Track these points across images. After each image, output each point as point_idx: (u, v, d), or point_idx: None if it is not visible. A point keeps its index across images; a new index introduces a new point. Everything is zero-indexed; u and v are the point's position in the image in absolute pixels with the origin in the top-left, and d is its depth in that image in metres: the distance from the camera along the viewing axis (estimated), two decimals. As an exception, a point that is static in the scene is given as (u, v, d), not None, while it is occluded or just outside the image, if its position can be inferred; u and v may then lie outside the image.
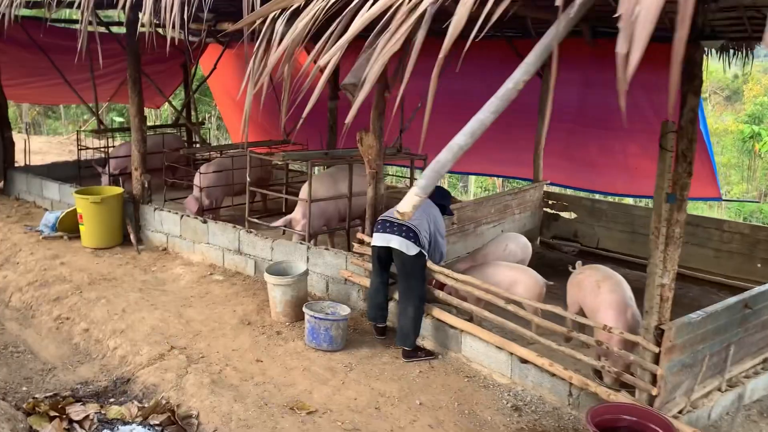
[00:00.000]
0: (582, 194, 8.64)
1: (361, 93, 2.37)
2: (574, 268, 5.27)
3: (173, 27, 4.65)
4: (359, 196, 6.72)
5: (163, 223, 7.19)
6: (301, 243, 6.06)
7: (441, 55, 2.13)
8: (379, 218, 5.06)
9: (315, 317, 4.82)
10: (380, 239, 4.86)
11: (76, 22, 10.08)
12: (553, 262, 7.27)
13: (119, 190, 7.42)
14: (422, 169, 7.79)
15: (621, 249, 7.36)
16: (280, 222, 6.47)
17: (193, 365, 4.55)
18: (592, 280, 4.75)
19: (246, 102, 3.37)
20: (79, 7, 5.20)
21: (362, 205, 7.00)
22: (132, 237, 7.27)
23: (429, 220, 4.91)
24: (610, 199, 9.01)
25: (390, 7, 2.40)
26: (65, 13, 10.49)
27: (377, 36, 2.55)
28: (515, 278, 5.31)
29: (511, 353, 4.41)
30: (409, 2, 2.33)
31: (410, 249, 4.71)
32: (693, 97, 3.44)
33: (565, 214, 7.87)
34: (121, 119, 15.70)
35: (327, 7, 2.62)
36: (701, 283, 6.72)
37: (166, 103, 13.58)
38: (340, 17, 2.63)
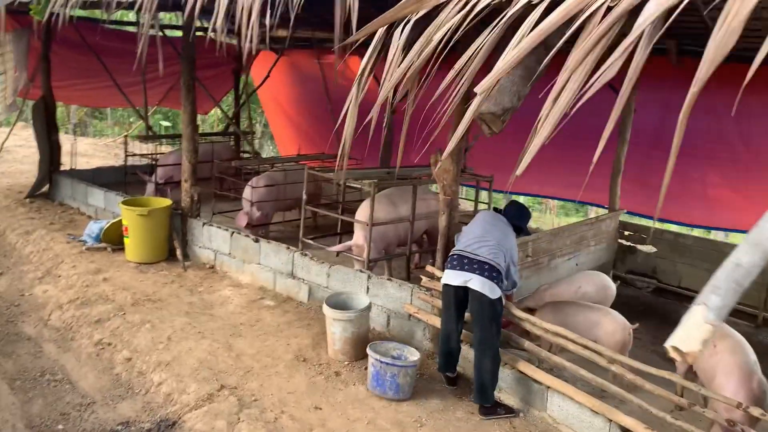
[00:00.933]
0: (663, 226, 7.95)
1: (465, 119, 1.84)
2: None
3: (233, 33, 4.24)
4: (419, 220, 6.21)
5: (212, 239, 6.76)
6: (361, 271, 5.54)
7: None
8: (453, 251, 4.47)
9: (381, 361, 4.29)
10: (456, 277, 4.28)
11: (128, 23, 9.83)
12: (627, 300, 6.64)
13: (167, 202, 7.03)
14: (487, 190, 7.22)
15: (707, 289, 6.67)
16: (339, 247, 5.99)
17: (245, 410, 4.06)
18: (706, 339, 4.12)
19: (347, 124, 2.80)
20: (140, 9, 4.78)
21: (421, 229, 6.50)
22: (178, 252, 6.87)
23: (506, 250, 4.35)
24: (695, 233, 8.31)
25: (582, 10, 1.79)
26: (117, 14, 10.24)
27: (535, 50, 2.02)
28: (596, 321, 4.72)
29: (610, 420, 3.81)
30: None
31: (493, 291, 4.15)
32: None
33: (643, 247, 7.22)
34: (167, 123, 15.50)
35: (471, 10, 2.05)
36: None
37: (213, 109, 13.31)
38: (495, 24, 2.04)
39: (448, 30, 1.97)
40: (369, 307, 4.93)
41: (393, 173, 6.59)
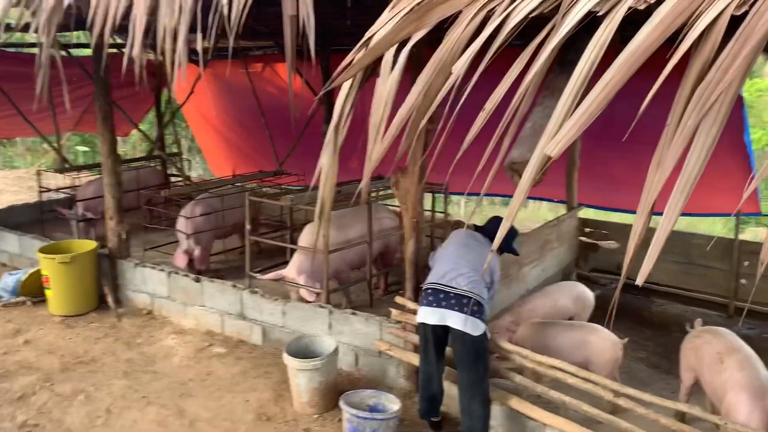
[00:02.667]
0: (625, 220, 7.75)
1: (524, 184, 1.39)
2: (691, 327, 4.33)
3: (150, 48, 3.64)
4: (374, 241, 5.73)
5: (147, 281, 6.06)
6: (320, 306, 5.01)
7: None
8: (427, 284, 3.95)
9: (358, 417, 3.80)
10: (433, 315, 3.78)
11: (27, 45, 8.89)
12: (596, 300, 6.39)
13: (92, 245, 6.26)
14: (442, 193, 6.81)
15: (674, 282, 6.50)
16: (271, 276, 5.41)
17: (207, 496, 3.49)
18: (713, 351, 3.83)
19: (325, 171, 2.22)
20: (36, 31, 4.08)
21: (376, 251, 6.01)
22: (110, 300, 6.14)
23: (486, 273, 3.92)
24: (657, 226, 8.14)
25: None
26: (16, 35, 9.27)
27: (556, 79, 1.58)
28: (583, 340, 4.39)
29: (619, 457, 3.45)
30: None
31: (476, 328, 3.69)
32: None
33: (605, 244, 6.97)
34: (85, 148, 14.40)
35: (501, 26, 1.55)
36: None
37: (135, 131, 12.40)
38: (540, 45, 1.53)
39: (470, 57, 1.51)
40: (336, 351, 4.42)
41: (344, 191, 6.07)
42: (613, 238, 6.89)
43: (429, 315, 3.80)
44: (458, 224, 9.47)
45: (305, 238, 5.56)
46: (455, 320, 3.70)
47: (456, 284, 3.79)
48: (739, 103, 6.65)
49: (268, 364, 5.03)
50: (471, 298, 3.72)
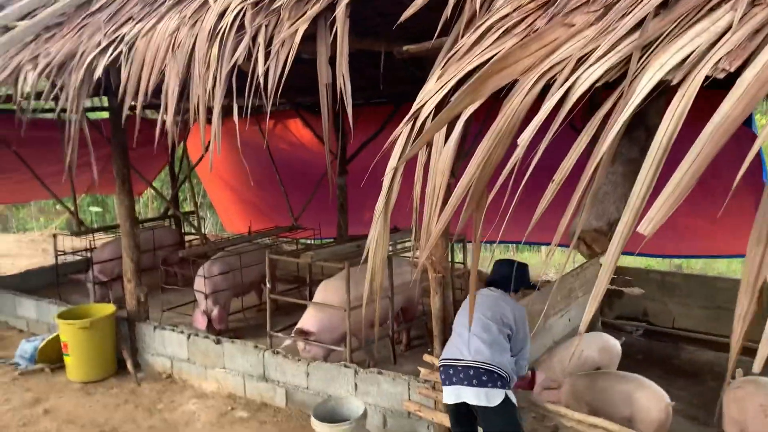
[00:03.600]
0: (650, 266, 7.66)
1: (612, 258, 1.34)
2: (732, 378, 4.17)
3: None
4: (397, 295, 5.64)
5: (166, 344, 5.98)
6: (345, 366, 4.90)
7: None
8: (440, 363, 3.72)
9: (393, 484, 3.65)
10: (449, 395, 3.60)
11: (44, 110, 9.04)
12: (622, 347, 6.22)
13: (110, 309, 6.21)
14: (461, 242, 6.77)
15: (702, 328, 6.35)
16: (291, 338, 5.31)
17: None
18: (756, 403, 3.69)
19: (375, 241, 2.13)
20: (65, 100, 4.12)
21: (397, 306, 5.92)
22: (129, 364, 6.04)
23: (504, 325, 3.63)
24: (683, 267, 8.08)
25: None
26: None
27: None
28: (629, 394, 4.19)
29: None
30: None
31: (492, 398, 3.45)
32: None
33: (630, 290, 6.85)
34: (97, 209, 14.49)
35: (568, 92, 1.50)
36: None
37: (147, 190, 12.48)
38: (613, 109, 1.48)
39: (535, 128, 1.48)
40: (365, 414, 4.29)
41: (362, 246, 6.04)
42: (637, 285, 6.77)
43: (447, 394, 3.62)
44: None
45: (323, 294, 5.50)
46: (469, 395, 3.49)
47: (463, 355, 3.55)
48: (753, 141, 6.62)
49: (293, 427, 4.90)
50: (480, 367, 3.46)
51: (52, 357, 6.17)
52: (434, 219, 1.79)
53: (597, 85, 1.49)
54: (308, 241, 8.74)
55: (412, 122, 1.77)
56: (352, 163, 8.65)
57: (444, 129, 1.73)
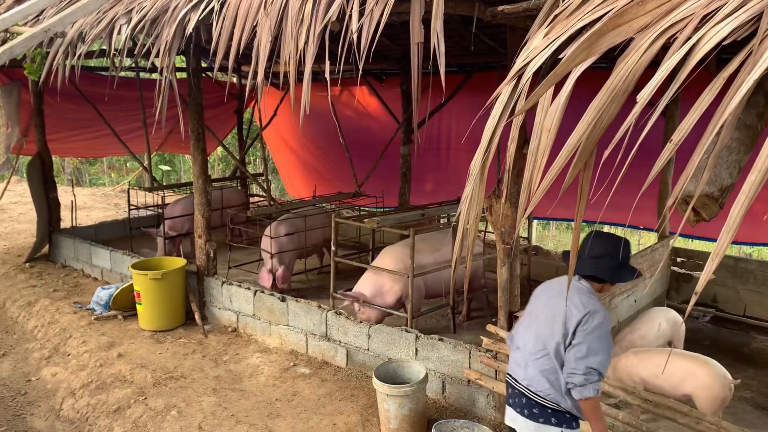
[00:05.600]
0: (709, 247, 7.38)
1: (735, 219, 1.31)
2: None
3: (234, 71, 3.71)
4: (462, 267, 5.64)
5: (233, 299, 6.18)
6: (407, 330, 4.96)
7: None
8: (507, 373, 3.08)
9: (452, 447, 3.71)
10: (507, 415, 3.04)
11: (124, 69, 9.32)
12: (689, 333, 6.03)
13: (181, 262, 6.45)
14: (526, 217, 6.70)
15: (776, 317, 6.12)
16: (350, 295, 5.43)
17: None
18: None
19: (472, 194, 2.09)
20: (157, 55, 4.23)
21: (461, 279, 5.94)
22: (197, 316, 6.28)
23: (558, 350, 2.72)
24: (753, 254, 7.79)
25: None
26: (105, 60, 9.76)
27: None
28: (691, 372, 4.13)
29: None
30: None
31: None
32: None
33: (697, 274, 6.66)
34: (166, 167, 14.95)
35: (693, 49, 1.45)
36: None
37: (214, 151, 12.78)
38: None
39: (656, 86, 1.44)
40: (426, 378, 4.35)
41: (427, 215, 6.06)
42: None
43: (506, 413, 3.05)
44: (537, 250, 9.30)
45: (388, 259, 5.57)
46: (521, 426, 2.91)
47: (518, 376, 2.93)
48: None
49: (353, 387, 5.01)
50: (530, 397, 2.84)
51: (125, 305, 6.47)
52: (537, 178, 1.77)
53: (724, 43, 1.43)
54: (370, 209, 8.83)
55: (515, 80, 1.75)
56: (417, 132, 8.62)
57: (550, 91, 1.70)
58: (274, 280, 6.47)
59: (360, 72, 2.79)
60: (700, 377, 4.07)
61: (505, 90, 1.77)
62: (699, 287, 1.45)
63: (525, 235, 6.94)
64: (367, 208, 8.96)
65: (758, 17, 1.40)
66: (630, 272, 2.81)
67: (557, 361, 2.73)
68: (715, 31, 1.41)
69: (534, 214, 7.33)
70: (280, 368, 5.38)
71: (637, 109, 1.47)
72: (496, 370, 4.36)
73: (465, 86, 8.33)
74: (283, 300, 5.76)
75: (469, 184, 1.99)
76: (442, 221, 6.78)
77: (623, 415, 3.72)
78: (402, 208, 7.31)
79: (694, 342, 5.71)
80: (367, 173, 8.70)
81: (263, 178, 7.78)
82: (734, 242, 8.30)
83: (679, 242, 8.12)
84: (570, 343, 2.66)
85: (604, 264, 2.77)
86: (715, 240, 8.00)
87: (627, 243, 2.85)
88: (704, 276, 1.32)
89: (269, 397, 4.89)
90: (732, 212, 1.35)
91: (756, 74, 1.29)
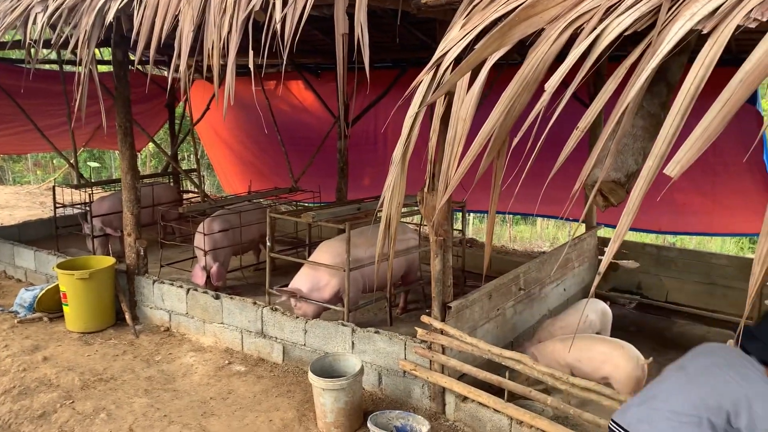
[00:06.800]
0: (646, 240, 7.72)
1: (635, 200, 1.37)
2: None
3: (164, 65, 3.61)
4: (398, 261, 5.68)
5: (165, 298, 6.02)
6: (343, 324, 4.96)
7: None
8: (611, 420, 2.61)
9: (388, 438, 3.74)
10: None
11: (47, 62, 8.93)
12: (616, 320, 6.26)
13: (110, 260, 6.24)
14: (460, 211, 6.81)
15: (696, 303, 6.44)
16: (285, 290, 5.38)
17: None
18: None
19: (393, 186, 2.11)
20: (76, 47, 4.06)
21: (399, 272, 5.99)
22: (127, 316, 6.09)
23: (710, 416, 2.33)
24: (676, 243, 8.15)
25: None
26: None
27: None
28: (608, 355, 4.35)
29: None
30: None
31: None
32: None
33: (625, 263, 6.92)
34: (96, 164, 14.44)
35: (595, 42, 1.50)
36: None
37: (145, 147, 12.42)
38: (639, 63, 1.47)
39: (562, 75, 1.49)
40: (362, 370, 4.36)
41: (363, 209, 6.07)
42: (632, 258, 6.84)
43: None
44: (472, 242, 9.44)
45: (324, 254, 5.55)
46: None
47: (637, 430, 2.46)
48: (759, 122, 6.64)
49: (290, 382, 4.98)
50: None
51: (50, 306, 6.22)
52: (453, 166, 1.80)
53: (626, 33, 1.49)
54: (307, 204, 8.78)
55: (434, 70, 1.78)
56: (354, 127, 8.63)
57: (467, 78, 1.73)
58: (208, 277, 6.35)
59: (284, 62, 2.76)
60: (616, 359, 4.28)
61: (425, 79, 1.79)
62: (602, 267, 1.51)
63: (460, 227, 7.05)
64: (304, 204, 8.90)
65: (657, 9, 1.47)
66: None
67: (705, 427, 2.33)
68: (618, 22, 1.48)
69: (469, 207, 7.44)
70: (214, 367, 5.29)
71: (545, 97, 1.52)
72: (430, 360, 4.42)
73: (400, 81, 8.38)
74: (217, 297, 5.66)
75: (390, 174, 2.01)
76: (379, 215, 6.81)
77: (552, 400, 3.85)
78: (338, 202, 7.30)
79: (621, 328, 5.94)
80: (303, 168, 8.64)
81: (196, 173, 7.62)
82: (658, 232, 8.68)
83: (607, 233, 8.41)
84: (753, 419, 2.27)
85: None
86: (642, 231, 8.33)
87: None
88: (606, 258, 1.38)
89: (203, 396, 4.80)
90: (631, 197, 1.41)
91: (654, 63, 1.36)
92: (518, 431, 3.95)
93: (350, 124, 8.60)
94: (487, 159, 1.68)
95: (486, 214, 13.31)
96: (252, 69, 2.85)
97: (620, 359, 4.31)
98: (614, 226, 8.21)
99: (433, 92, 1.73)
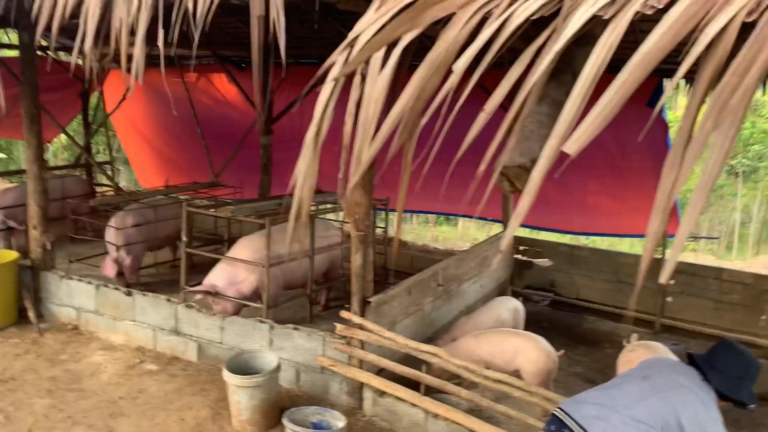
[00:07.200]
0: (557, 239, 7.99)
1: (535, 179, 1.40)
2: (627, 341, 4.49)
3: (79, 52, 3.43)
4: (320, 257, 5.66)
5: (73, 294, 5.74)
6: (261, 321, 4.88)
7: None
8: (558, 408, 2.66)
9: (303, 434, 3.70)
10: None
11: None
12: (530, 316, 6.45)
13: (12, 255, 5.88)
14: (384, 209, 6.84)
15: (604, 300, 6.73)
16: (199, 288, 5.23)
17: None
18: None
19: (302, 172, 2.09)
20: None
21: (321, 269, 5.95)
22: (31, 314, 5.76)
23: (665, 429, 2.40)
24: (589, 243, 8.49)
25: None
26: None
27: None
28: (520, 348, 4.49)
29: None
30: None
31: None
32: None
33: (539, 261, 7.16)
34: (3, 155, 13.60)
35: (501, 28, 1.51)
36: (698, 336, 6.19)
37: (57, 139, 11.83)
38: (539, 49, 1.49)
39: (470, 57, 1.50)
40: (279, 367, 4.30)
41: (286, 204, 5.98)
42: (547, 257, 7.09)
43: None
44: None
45: (242, 250, 5.44)
46: None
47: (593, 429, 2.45)
48: (664, 130, 7.02)
49: (204, 381, 4.85)
50: None
51: (-56, 304, 5.79)
52: (366, 146, 1.80)
53: (532, 18, 1.53)
54: (227, 201, 8.58)
55: (347, 51, 1.77)
56: (279, 123, 8.51)
57: (380, 59, 1.73)
58: (121, 271, 6.10)
59: (196, 41, 2.67)
60: (528, 352, 4.42)
61: (338, 60, 1.78)
62: (504, 244, 1.53)
63: (383, 225, 7.08)
64: (226, 200, 8.70)
65: (564, -5, 1.53)
66: (752, 397, 2.59)
67: None
68: (526, 7, 1.52)
69: (393, 205, 7.48)
70: (125, 366, 5.09)
71: (453, 78, 1.54)
72: (349, 356, 4.41)
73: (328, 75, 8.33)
74: (129, 294, 5.45)
75: (302, 159, 1.98)
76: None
77: (466, 393, 3.92)
78: (260, 198, 7.18)
79: (535, 324, 6.12)
80: (225, 163, 8.45)
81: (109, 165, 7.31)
82: (572, 232, 9.03)
83: (523, 232, 8.68)
84: None
85: (745, 386, 2.57)
86: (551, 230, 8.59)
87: (749, 359, 2.66)
88: (508, 233, 1.41)
89: (112, 396, 4.60)
90: (532, 176, 1.45)
91: (557, 46, 1.40)
92: (434, 424, 4.00)
93: (274, 119, 8.47)
94: (397, 141, 1.69)
95: (412, 214, 13.41)
96: (162, 55, 2.74)
97: (532, 352, 4.45)
98: (530, 227, 8.52)
99: (345, 65, 1.72)
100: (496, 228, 7.18)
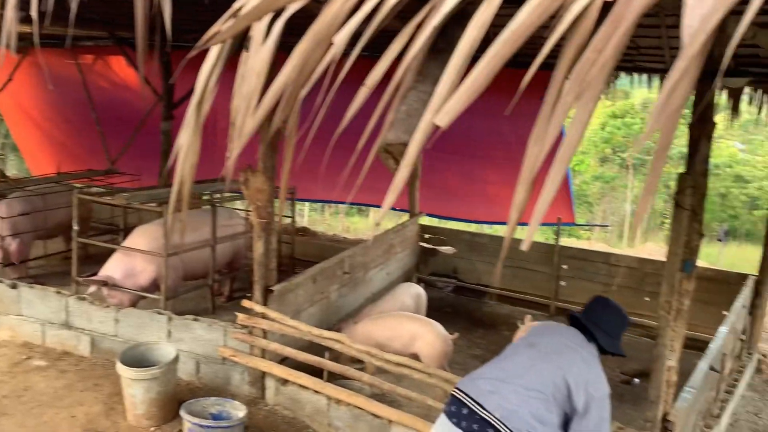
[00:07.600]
0: (460, 227, 8.18)
1: (411, 152, 1.42)
2: (522, 322, 4.64)
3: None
4: (223, 247, 5.54)
5: (-51, 289, 5.32)
6: (159, 313, 4.71)
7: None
8: (456, 387, 2.58)
9: (201, 426, 3.62)
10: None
11: None
12: (433, 302, 6.60)
13: None
14: (290, 199, 6.78)
15: (503, 285, 6.98)
16: (95, 279, 5.03)
17: None
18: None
19: (183, 155, 2.03)
20: None
21: (224, 259, 5.83)
22: None
23: (558, 401, 2.47)
24: (489, 231, 8.74)
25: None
26: None
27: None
28: (417, 333, 4.59)
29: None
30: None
31: None
32: (705, 144, 2.92)
33: (443, 249, 7.32)
34: None
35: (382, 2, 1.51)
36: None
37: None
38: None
39: (351, 30, 1.48)
40: (177, 359, 4.17)
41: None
42: (450, 244, 7.27)
43: (442, 427, 2.55)
44: (305, 230, 9.45)
45: (140, 239, 5.24)
46: None
47: (489, 404, 2.44)
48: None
49: (98, 376, 4.63)
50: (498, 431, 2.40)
51: None
52: (248, 120, 1.76)
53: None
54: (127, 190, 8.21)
55: (232, 22, 1.72)
56: (180, 108, 8.22)
57: (263, 30, 1.70)
58: (6, 255, 5.72)
59: (72, 17, 2.52)
60: (424, 336, 4.53)
61: (221, 29, 1.73)
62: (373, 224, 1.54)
63: (290, 215, 7.01)
64: (124, 189, 8.32)
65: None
66: (622, 349, 2.77)
67: (551, 412, 2.45)
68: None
69: (299, 195, 7.41)
70: (9, 362, 4.78)
71: (334, 50, 1.54)
72: (251, 345, 4.34)
73: (232, 64, 8.12)
74: (14, 287, 5.11)
75: (183, 133, 1.93)
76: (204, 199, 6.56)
77: (368, 377, 3.96)
78: (159, 185, 6.92)
79: (438, 309, 6.26)
80: (122, 149, 8.09)
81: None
82: (473, 221, 9.31)
83: (429, 221, 8.86)
84: (579, 411, 2.46)
85: (620, 340, 2.75)
86: (454, 219, 8.80)
87: (621, 312, 2.83)
88: (390, 197, 1.42)
89: (-6, 395, 4.31)
90: (409, 149, 1.47)
91: (435, 20, 1.43)
92: (336, 410, 4.02)
93: (176, 105, 8.18)
94: (279, 116, 1.68)
95: (323, 204, 13.35)
96: (36, 27, 2.56)
97: (428, 335, 4.55)
98: (437, 216, 8.71)
99: (231, 46, 1.69)
100: (406, 218, 7.26)
